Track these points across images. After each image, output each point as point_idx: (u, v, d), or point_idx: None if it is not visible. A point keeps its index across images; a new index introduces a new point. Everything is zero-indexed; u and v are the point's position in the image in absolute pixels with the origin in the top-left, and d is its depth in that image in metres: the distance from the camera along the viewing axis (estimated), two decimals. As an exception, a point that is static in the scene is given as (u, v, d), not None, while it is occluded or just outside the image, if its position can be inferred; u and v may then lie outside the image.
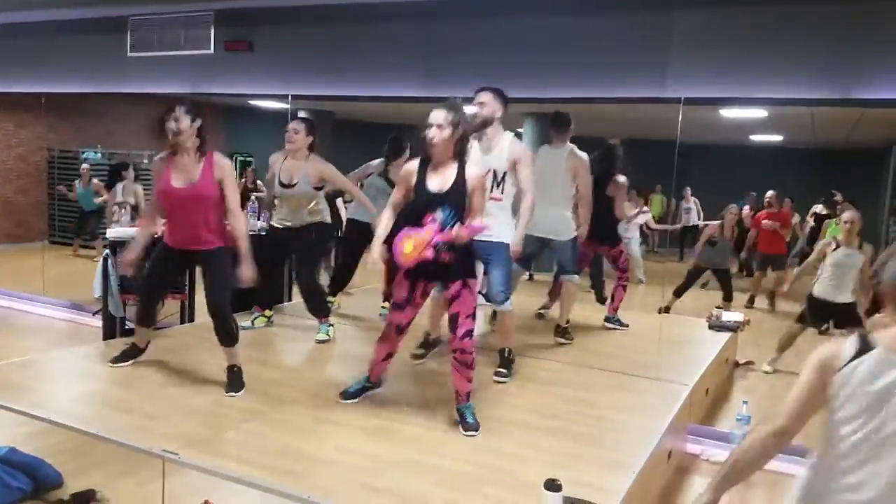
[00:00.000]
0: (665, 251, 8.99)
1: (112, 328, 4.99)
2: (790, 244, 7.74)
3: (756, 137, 7.66)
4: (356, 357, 4.61)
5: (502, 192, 3.94)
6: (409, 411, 3.44)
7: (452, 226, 3.12)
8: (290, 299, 5.81)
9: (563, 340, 4.86)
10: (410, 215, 3.25)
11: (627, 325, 5.43)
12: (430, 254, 3.08)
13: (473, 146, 3.86)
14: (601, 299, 5.87)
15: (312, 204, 4.69)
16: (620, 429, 3.43)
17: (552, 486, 2.46)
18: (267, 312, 5.00)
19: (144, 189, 7.56)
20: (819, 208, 7.97)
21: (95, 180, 8.49)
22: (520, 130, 5.30)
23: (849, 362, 1.71)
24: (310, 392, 3.70)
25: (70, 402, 3.42)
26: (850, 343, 1.73)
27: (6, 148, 9.60)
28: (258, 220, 5.74)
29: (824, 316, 5.53)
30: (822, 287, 5.48)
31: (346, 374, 4.26)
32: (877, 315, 1.94)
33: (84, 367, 4.12)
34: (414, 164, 3.33)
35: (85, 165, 8.78)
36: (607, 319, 5.42)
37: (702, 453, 4.09)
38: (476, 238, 3.27)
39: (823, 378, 1.77)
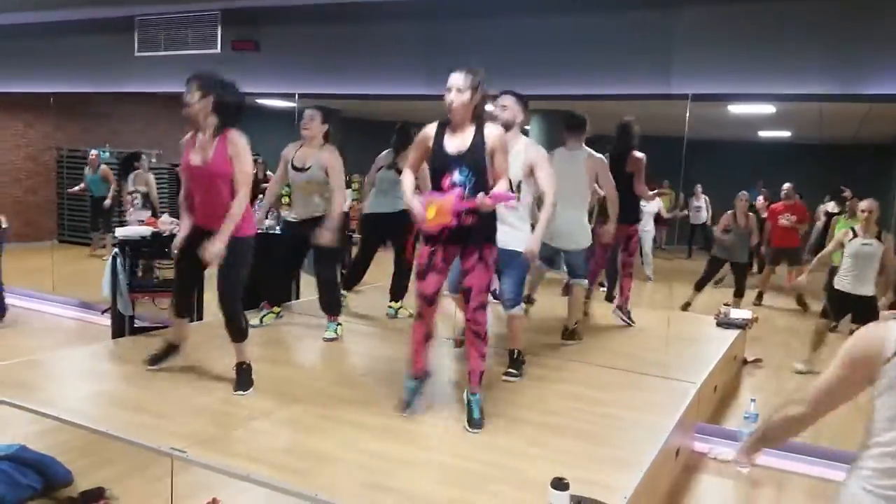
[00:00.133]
0: (673, 248, 8.95)
1: (121, 327, 5.00)
2: (803, 238, 7.67)
3: (764, 133, 7.61)
4: (364, 355, 4.64)
5: (518, 201, 3.87)
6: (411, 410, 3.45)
7: (471, 187, 3.09)
8: (297, 297, 5.83)
9: (570, 343, 4.85)
10: (431, 177, 3.23)
11: (633, 323, 5.41)
12: (453, 221, 3.05)
13: None
14: (611, 297, 5.86)
15: (327, 193, 4.67)
16: (628, 427, 3.42)
17: (559, 484, 2.46)
18: (275, 308, 5.03)
19: (157, 180, 7.62)
20: (830, 206, 7.91)
21: (104, 166, 8.54)
22: (526, 128, 5.29)
23: None
24: (317, 390, 3.71)
25: (79, 400, 3.45)
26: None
27: (15, 148, 9.65)
28: (265, 217, 5.76)
29: (844, 309, 5.48)
30: (841, 280, 5.46)
31: (353, 372, 4.29)
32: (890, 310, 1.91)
33: (93, 365, 4.14)
34: (431, 127, 3.28)
35: (94, 152, 8.82)
36: (619, 308, 5.39)
37: (710, 451, 4.08)
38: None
39: (868, 367, 1.69)
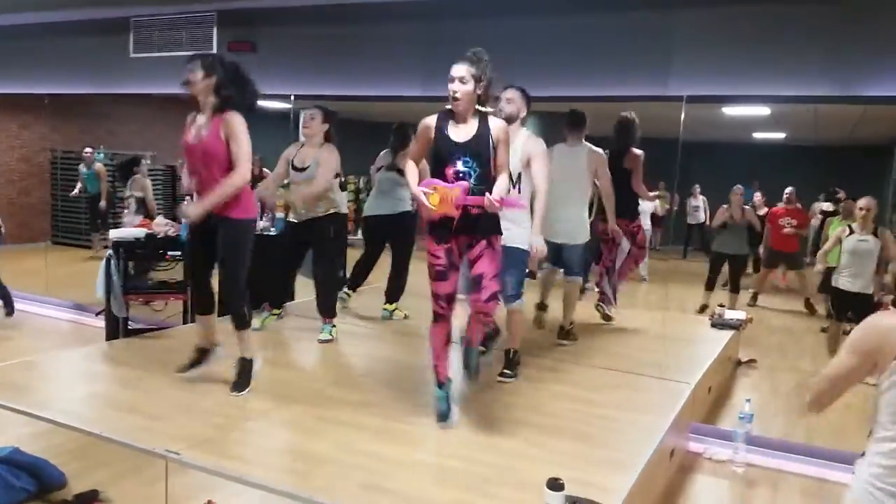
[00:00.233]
0: (668, 249, 8.97)
1: (115, 328, 4.99)
2: (802, 242, 7.66)
3: (759, 135, 7.64)
4: (360, 356, 4.63)
5: (518, 193, 3.87)
6: (412, 411, 3.44)
7: (475, 177, 3.07)
8: (293, 298, 5.81)
9: (565, 342, 4.85)
10: (433, 166, 3.20)
11: (612, 319, 5.43)
12: (456, 213, 3.02)
13: None
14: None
15: (328, 192, 4.65)
16: (623, 427, 3.42)
17: (554, 485, 2.47)
18: (275, 310, 5.01)
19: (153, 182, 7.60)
20: (825, 206, 7.93)
21: (98, 164, 8.52)
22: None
23: None
24: (314, 392, 3.71)
25: (73, 402, 3.43)
26: None
27: (9, 149, 9.62)
28: (260, 219, 5.74)
29: (845, 307, 5.48)
30: (840, 278, 5.49)
31: (350, 373, 4.28)
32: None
33: (87, 367, 4.13)
34: (432, 117, 3.23)
35: (88, 149, 8.80)
36: (600, 297, 5.39)
37: (704, 452, 4.09)
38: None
39: (876, 357, 1.73)
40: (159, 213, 6.83)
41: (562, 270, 4.83)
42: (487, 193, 3.03)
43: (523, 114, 3.95)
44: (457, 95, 3.11)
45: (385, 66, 5.30)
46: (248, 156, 3.42)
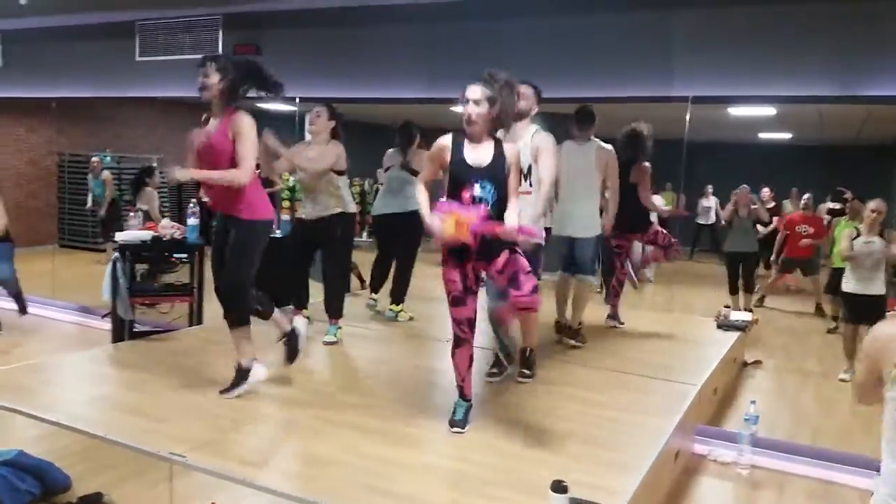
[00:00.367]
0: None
1: (121, 331, 5.00)
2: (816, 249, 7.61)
3: (764, 135, 7.63)
4: (365, 359, 4.63)
5: (530, 186, 3.85)
6: (417, 414, 3.44)
7: (493, 202, 3.04)
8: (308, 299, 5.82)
9: (573, 343, 4.82)
10: (448, 189, 3.14)
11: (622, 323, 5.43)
12: (471, 240, 2.98)
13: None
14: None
15: (331, 187, 4.60)
16: (627, 429, 3.41)
17: (558, 487, 2.46)
18: (304, 313, 4.89)
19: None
20: (832, 206, 7.91)
21: (106, 172, 8.55)
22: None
23: None
24: (318, 394, 3.71)
25: (78, 404, 3.44)
26: None
27: (17, 152, 9.68)
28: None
29: (857, 311, 5.45)
30: (850, 282, 5.47)
31: (354, 375, 4.29)
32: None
33: (93, 370, 4.15)
34: (447, 138, 3.19)
35: (95, 158, 8.84)
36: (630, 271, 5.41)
37: (709, 454, 4.07)
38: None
39: (879, 366, 1.79)
40: (165, 216, 6.85)
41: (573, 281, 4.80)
42: (509, 222, 3.00)
43: (535, 110, 3.95)
44: (471, 118, 3.07)
45: (388, 69, 5.31)
46: (251, 157, 3.37)
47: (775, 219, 7.38)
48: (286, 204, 7.49)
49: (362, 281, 6.72)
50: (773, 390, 5.49)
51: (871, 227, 5.34)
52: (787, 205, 8.07)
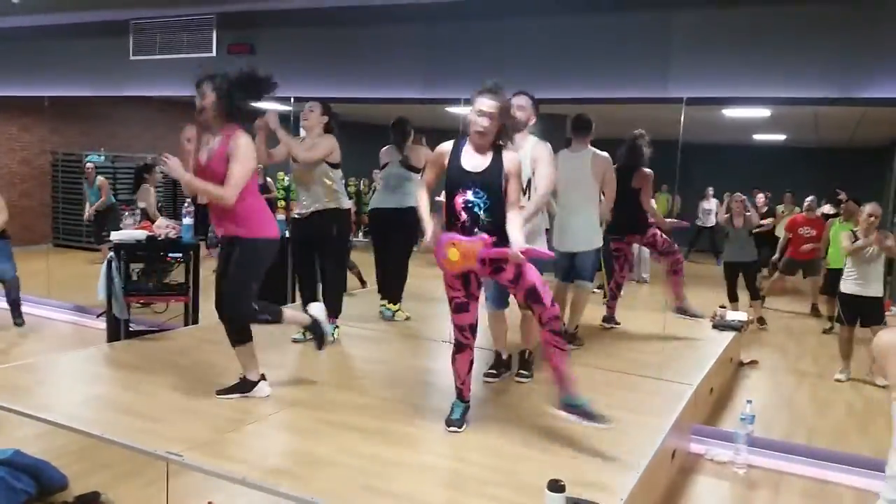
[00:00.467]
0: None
1: (116, 330, 4.99)
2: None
3: (759, 137, 7.64)
4: (361, 358, 4.63)
5: (528, 199, 3.83)
6: (414, 413, 3.44)
7: (485, 208, 3.05)
8: (293, 300, 5.82)
9: (571, 346, 4.81)
10: (445, 192, 3.16)
11: (701, 316, 5.38)
12: (477, 267, 3.02)
13: None
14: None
15: (325, 179, 4.58)
16: (624, 429, 3.41)
17: (555, 486, 2.46)
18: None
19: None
20: (826, 208, 7.94)
21: (100, 178, 8.50)
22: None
23: None
24: (314, 393, 3.71)
25: (74, 404, 3.43)
26: None
27: (10, 152, 9.64)
28: None
29: (854, 312, 5.49)
30: (847, 283, 5.50)
31: (350, 375, 4.28)
32: None
33: (88, 369, 4.13)
34: (448, 144, 3.22)
35: (89, 165, 8.80)
36: (678, 311, 5.30)
37: (706, 453, 4.09)
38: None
39: (888, 369, 1.88)
40: (162, 214, 6.83)
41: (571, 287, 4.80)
42: (516, 245, 2.99)
43: (533, 121, 3.95)
44: (485, 130, 3.07)
45: (384, 68, 5.31)
46: (241, 178, 3.30)
47: (767, 220, 7.39)
48: (282, 204, 7.49)
49: (362, 281, 6.72)
50: (769, 390, 5.51)
51: (868, 230, 5.36)
52: (782, 209, 8.09)
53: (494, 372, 4.06)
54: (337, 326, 4.75)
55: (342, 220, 4.73)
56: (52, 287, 7.15)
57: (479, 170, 3.10)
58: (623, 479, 2.82)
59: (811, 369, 6.03)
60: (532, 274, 3.11)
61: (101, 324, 5.54)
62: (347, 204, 4.77)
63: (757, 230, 7.01)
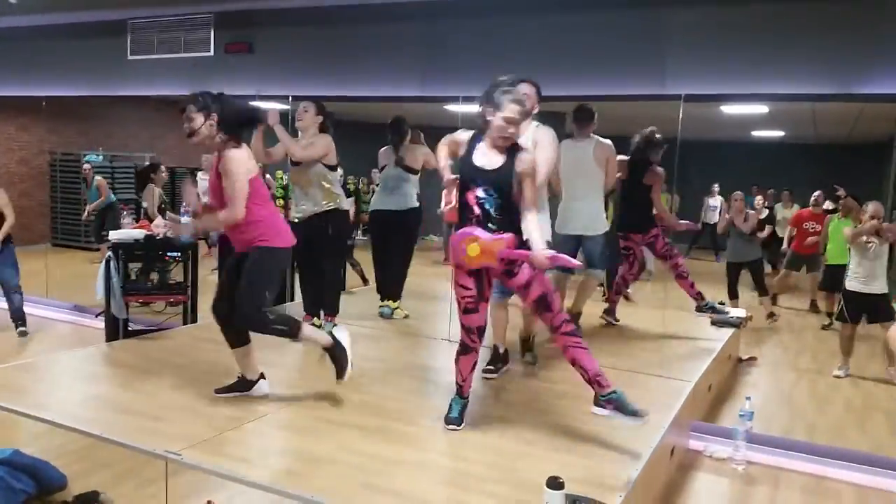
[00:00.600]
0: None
1: (115, 330, 5.00)
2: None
3: (757, 133, 7.64)
4: (359, 356, 4.61)
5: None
6: (412, 411, 3.44)
7: (495, 207, 3.02)
8: (292, 299, 5.82)
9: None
10: (458, 186, 3.12)
11: (727, 313, 5.33)
12: (497, 265, 3.00)
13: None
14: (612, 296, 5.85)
15: (322, 181, 4.59)
16: (623, 426, 3.41)
17: (554, 483, 2.46)
18: (315, 321, 4.85)
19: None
20: (826, 204, 7.94)
21: (98, 177, 8.50)
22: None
23: None
24: (311, 392, 3.70)
25: (73, 403, 3.43)
26: None
27: (8, 151, 9.63)
28: None
29: (859, 309, 5.47)
30: (853, 281, 5.49)
31: (349, 373, 4.27)
32: None
33: (87, 368, 4.13)
34: (465, 134, 3.18)
35: (86, 166, 8.80)
36: (699, 309, 5.22)
37: (705, 450, 4.09)
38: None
39: None
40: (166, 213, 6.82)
41: (572, 277, 4.78)
42: (539, 249, 2.97)
43: (536, 109, 3.95)
44: (511, 136, 3.06)
45: (382, 67, 5.30)
46: (239, 195, 3.22)
47: (765, 231, 7.39)
48: (280, 203, 7.47)
49: (365, 280, 6.72)
50: (767, 386, 5.52)
51: (871, 230, 5.35)
52: (780, 208, 8.08)
53: (492, 368, 4.06)
54: (335, 324, 4.75)
55: (341, 221, 4.74)
56: (51, 287, 7.14)
57: (491, 168, 3.07)
58: (622, 475, 2.82)
59: (810, 365, 6.04)
60: (543, 282, 3.09)
61: (100, 323, 5.54)
62: (346, 205, 4.79)
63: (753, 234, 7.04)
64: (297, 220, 4.72)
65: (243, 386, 3.55)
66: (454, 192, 3.12)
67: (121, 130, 9.92)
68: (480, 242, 2.98)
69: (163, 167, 7.44)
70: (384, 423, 3.29)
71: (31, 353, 5.57)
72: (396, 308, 5.47)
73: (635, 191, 5.05)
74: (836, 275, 6.49)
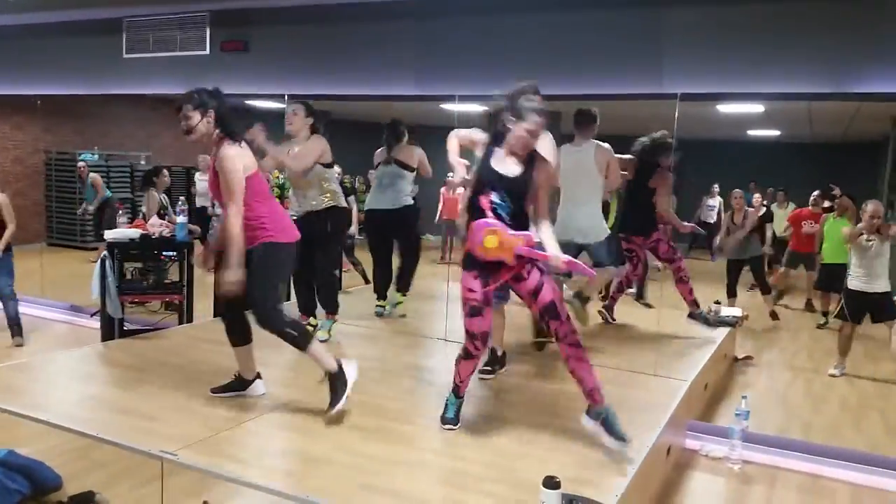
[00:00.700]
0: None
1: (110, 330, 4.97)
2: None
3: (753, 132, 7.65)
4: (356, 356, 4.61)
5: None
6: (409, 411, 3.44)
7: (508, 213, 3.00)
8: (287, 298, 5.81)
9: (578, 305, 4.71)
10: (472, 187, 3.10)
11: (717, 325, 5.29)
12: (513, 261, 2.97)
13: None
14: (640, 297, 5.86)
15: (320, 180, 4.57)
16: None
17: (551, 483, 2.47)
18: (312, 321, 4.86)
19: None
20: (825, 204, 7.96)
21: (92, 174, 8.47)
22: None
23: None
24: (308, 392, 3.69)
25: (69, 403, 3.42)
26: None
27: (2, 150, 9.60)
28: None
29: (862, 308, 5.45)
30: (853, 279, 5.48)
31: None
32: None
33: (83, 369, 4.12)
34: (481, 135, 3.16)
35: (81, 163, 8.77)
36: (691, 316, 5.20)
37: (701, 449, 4.09)
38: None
39: None
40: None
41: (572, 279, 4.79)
42: (556, 254, 2.97)
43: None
44: (529, 146, 3.03)
45: (378, 66, 5.29)
46: (236, 193, 3.16)
47: (765, 248, 7.42)
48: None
49: (366, 279, 6.72)
50: (763, 386, 5.52)
51: (871, 230, 5.36)
52: (775, 209, 8.10)
53: (489, 369, 4.06)
54: (335, 321, 4.76)
55: (339, 218, 4.74)
56: (46, 287, 7.12)
57: (510, 175, 3.04)
58: (618, 475, 2.82)
59: (806, 364, 6.05)
60: (552, 289, 3.07)
61: (96, 323, 5.52)
62: (344, 202, 4.78)
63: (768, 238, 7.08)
64: (295, 218, 4.71)
65: (239, 385, 3.55)
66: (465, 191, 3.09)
67: (117, 129, 9.89)
68: (499, 235, 2.95)
69: (165, 171, 7.39)
70: (382, 422, 3.29)
71: (26, 353, 5.55)
72: (400, 303, 5.48)
73: (639, 193, 5.04)
74: (831, 274, 6.52)
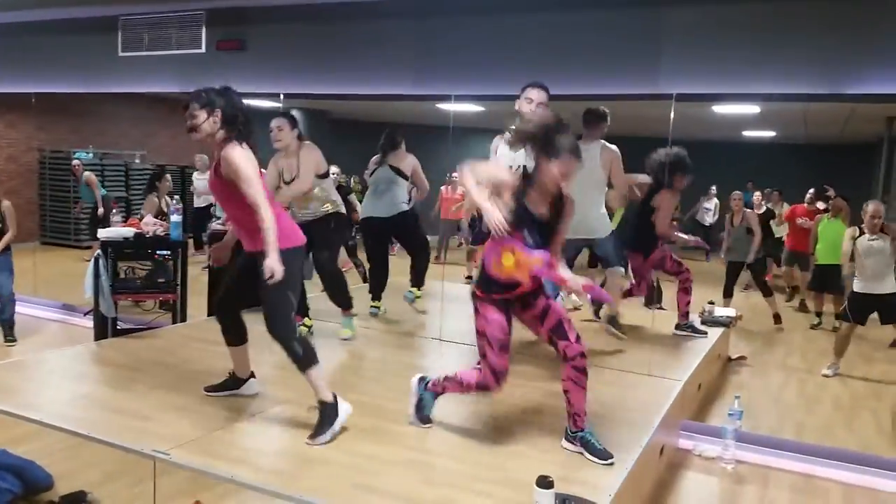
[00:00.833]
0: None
1: (104, 329, 4.96)
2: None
3: (749, 133, 7.66)
4: (351, 356, 4.62)
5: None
6: (403, 411, 3.43)
7: (533, 247, 2.92)
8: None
9: (613, 330, 4.86)
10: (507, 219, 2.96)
11: (705, 333, 5.28)
12: (528, 283, 2.91)
13: (500, 143, 3.84)
14: (649, 301, 5.86)
15: (318, 190, 4.62)
16: (612, 425, 3.42)
17: (544, 482, 2.47)
18: (307, 321, 4.85)
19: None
20: (819, 204, 7.98)
21: (87, 173, 8.45)
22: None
23: None
24: (301, 391, 3.68)
25: (61, 403, 3.41)
26: None
27: (-3, 148, 9.56)
28: None
29: (868, 310, 5.43)
30: (861, 281, 5.45)
31: (341, 373, 4.27)
32: None
33: (75, 368, 4.11)
34: (510, 175, 3.03)
35: (75, 162, 8.74)
36: (678, 327, 5.23)
37: (694, 448, 4.10)
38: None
39: None
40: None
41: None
42: (575, 279, 2.97)
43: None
44: (562, 184, 2.97)
45: (376, 65, 5.29)
46: (259, 192, 3.04)
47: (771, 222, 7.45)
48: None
49: (365, 280, 6.72)
50: (756, 386, 5.53)
51: (873, 229, 5.36)
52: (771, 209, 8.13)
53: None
54: (354, 315, 4.80)
55: (339, 219, 4.79)
56: (40, 285, 7.09)
57: (547, 217, 2.98)
58: (611, 474, 2.82)
59: (799, 365, 6.06)
60: (558, 309, 3.05)
61: (89, 322, 5.50)
62: (343, 208, 4.86)
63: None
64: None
65: (233, 384, 3.54)
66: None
67: (112, 128, 9.85)
68: (517, 255, 2.87)
69: (168, 176, 7.36)
70: (376, 422, 3.29)
71: (19, 351, 5.54)
72: (419, 296, 5.50)
73: (641, 209, 5.05)
74: (825, 274, 6.54)
